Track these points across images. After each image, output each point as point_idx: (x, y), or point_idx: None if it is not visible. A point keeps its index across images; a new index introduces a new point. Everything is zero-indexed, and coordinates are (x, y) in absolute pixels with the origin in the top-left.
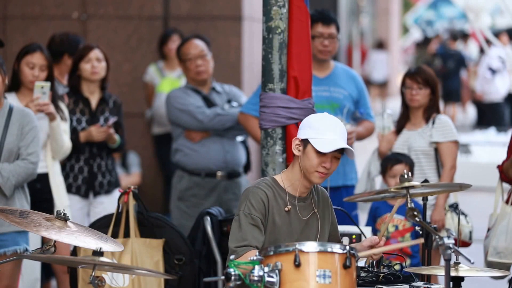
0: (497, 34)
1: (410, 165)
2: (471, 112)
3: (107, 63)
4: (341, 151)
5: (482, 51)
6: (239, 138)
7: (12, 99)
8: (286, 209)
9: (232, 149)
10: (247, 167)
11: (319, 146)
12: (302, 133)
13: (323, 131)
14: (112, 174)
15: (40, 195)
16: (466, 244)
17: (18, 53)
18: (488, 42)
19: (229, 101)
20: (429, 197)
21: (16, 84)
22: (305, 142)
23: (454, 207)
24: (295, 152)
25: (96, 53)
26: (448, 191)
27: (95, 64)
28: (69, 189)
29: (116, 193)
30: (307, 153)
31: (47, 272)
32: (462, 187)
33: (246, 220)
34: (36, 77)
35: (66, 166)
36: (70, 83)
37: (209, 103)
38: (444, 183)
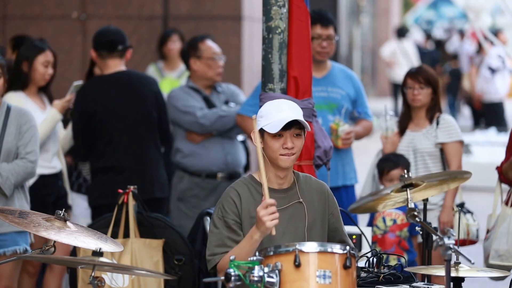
0: (496, 33)
1: (407, 167)
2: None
3: None
4: (301, 126)
5: (478, 51)
6: (240, 138)
7: (21, 97)
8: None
9: (233, 150)
10: (246, 168)
11: (270, 128)
12: (257, 126)
13: (272, 114)
14: None
15: (61, 192)
16: (473, 242)
17: (29, 52)
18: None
19: (226, 102)
20: (437, 198)
21: (23, 83)
22: (261, 132)
23: (461, 207)
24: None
25: None
26: (446, 181)
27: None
28: (74, 188)
29: None
30: (266, 141)
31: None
32: (459, 176)
33: (219, 224)
34: (49, 75)
35: (72, 165)
36: None
37: (209, 104)
38: (440, 172)
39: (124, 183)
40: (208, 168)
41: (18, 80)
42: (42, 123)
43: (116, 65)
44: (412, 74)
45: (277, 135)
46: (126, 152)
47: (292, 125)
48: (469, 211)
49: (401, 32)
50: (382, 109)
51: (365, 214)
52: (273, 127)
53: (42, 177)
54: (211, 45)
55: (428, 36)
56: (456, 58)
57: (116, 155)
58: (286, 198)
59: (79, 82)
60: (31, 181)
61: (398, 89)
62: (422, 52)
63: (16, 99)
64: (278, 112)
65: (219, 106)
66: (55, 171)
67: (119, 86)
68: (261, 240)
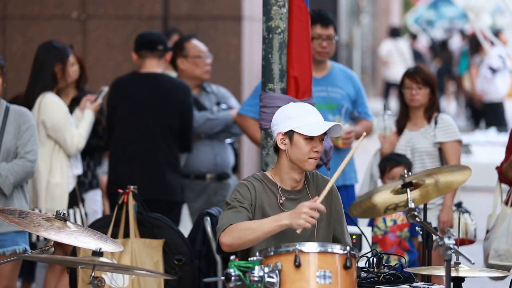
0: (497, 33)
1: (409, 167)
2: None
3: (81, 64)
4: (325, 132)
5: (476, 50)
6: (228, 140)
7: (58, 98)
8: (281, 201)
9: (222, 151)
10: (235, 169)
11: (307, 131)
12: (283, 127)
13: (302, 117)
14: (87, 174)
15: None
16: (471, 242)
17: (62, 54)
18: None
19: (218, 104)
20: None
21: (55, 84)
22: (289, 134)
23: (459, 206)
24: (282, 147)
25: (72, 58)
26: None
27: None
28: None
29: (93, 193)
30: (296, 143)
31: (29, 274)
32: (459, 172)
33: (232, 205)
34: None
35: None
36: None
37: (198, 105)
38: (441, 167)
39: (130, 180)
40: (197, 169)
41: (52, 81)
42: (83, 125)
43: (152, 66)
44: (410, 74)
45: (309, 138)
46: (136, 151)
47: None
48: (467, 211)
49: (395, 32)
50: (381, 108)
51: None
52: (312, 130)
53: (79, 177)
54: (197, 44)
55: (414, 36)
56: (438, 56)
57: (126, 152)
58: (298, 200)
59: (106, 88)
60: (73, 184)
61: (390, 88)
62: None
63: (58, 100)
64: (309, 115)
65: (209, 107)
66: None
67: (147, 86)
68: (280, 230)
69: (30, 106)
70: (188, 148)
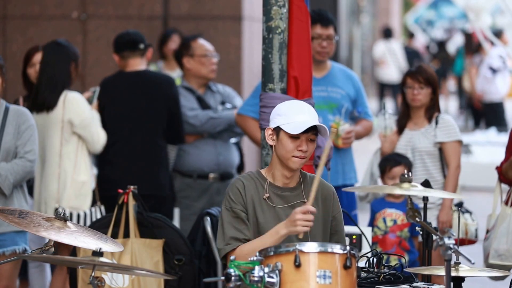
0: (498, 34)
1: (409, 167)
2: None
3: None
4: (316, 132)
5: (476, 50)
6: (233, 140)
7: (76, 95)
8: (264, 197)
9: (225, 151)
10: (240, 168)
11: (290, 129)
12: (272, 123)
13: (292, 115)
14: None
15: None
16: (472, 242)
17: (75, 53)
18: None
19: (222, 103)
20: (436, 197)
21: (70, 82)
22: (277, 130)
23: (460, 206)
24: (270, 142)
25: (40, 56)
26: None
27: (38, 68)
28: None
29: None
30: (281, 140)
31: (26, 273)
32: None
33: (228, 214)
34: None
35: None
36: (25, 87)
37: (203, 104)
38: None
39: (118, 176)
40: (199, 168)
41: (69, 80)
42: (98, 126)
43: (136, 64)
44: (412, 73)
45: (294, 137)
46: (124, 148)
47: (310, 130)
48: (467, 211)
49: (388, 33)
50: (379, 109)
51: (364, 215)
52: (294, 129)
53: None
54: (203, 43)
55: (411, 35)
56: (436, 57)
57: (116, 149)
58: (290, 197)
59: (98, 87)
60: (94, 182)
61: (384, 89)
62: (407, 51)
63: (81, 97)
64: (299, 113)
65: (214, 106)
66: None
67: (132, 83)
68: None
69: (49, 107)
70: (180, 140)
